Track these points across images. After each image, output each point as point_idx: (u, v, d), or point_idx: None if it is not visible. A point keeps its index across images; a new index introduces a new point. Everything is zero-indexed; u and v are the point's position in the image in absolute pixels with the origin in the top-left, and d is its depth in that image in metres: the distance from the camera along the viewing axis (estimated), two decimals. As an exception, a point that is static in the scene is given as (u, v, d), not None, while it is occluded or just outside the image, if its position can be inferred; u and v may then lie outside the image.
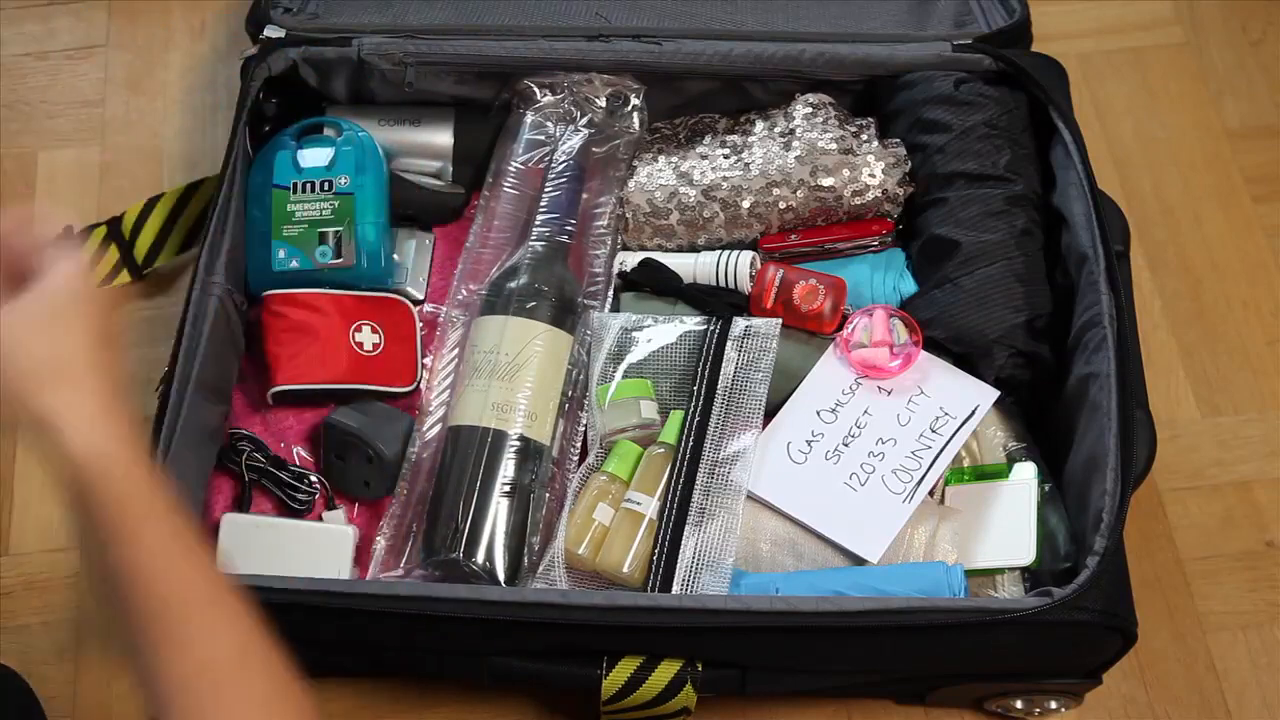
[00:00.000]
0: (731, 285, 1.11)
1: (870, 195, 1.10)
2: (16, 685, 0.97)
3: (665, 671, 0.93)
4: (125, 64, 1.42)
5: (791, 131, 1.13)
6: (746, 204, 1.11)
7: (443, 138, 1.18)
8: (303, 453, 1.10)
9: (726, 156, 1.14)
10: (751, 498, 1.01)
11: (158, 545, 0.67)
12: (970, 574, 0.98)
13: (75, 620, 1.14)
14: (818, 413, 1.03)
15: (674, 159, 1.16)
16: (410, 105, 1.18)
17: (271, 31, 1.15)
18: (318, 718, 0.69)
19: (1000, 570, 0.99)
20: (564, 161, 1.14)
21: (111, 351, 0.69)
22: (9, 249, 0.71)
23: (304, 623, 0.93)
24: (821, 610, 0.90)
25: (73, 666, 1.12)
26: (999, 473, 1.02)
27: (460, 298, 1.13)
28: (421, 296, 1.16)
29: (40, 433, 0.66)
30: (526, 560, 1.02)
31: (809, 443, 1.03)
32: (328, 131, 1.15)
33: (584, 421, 1.08)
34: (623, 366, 1.07)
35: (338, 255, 1.10)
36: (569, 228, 1.12)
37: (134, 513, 0.66)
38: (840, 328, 1.07)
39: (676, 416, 1.04)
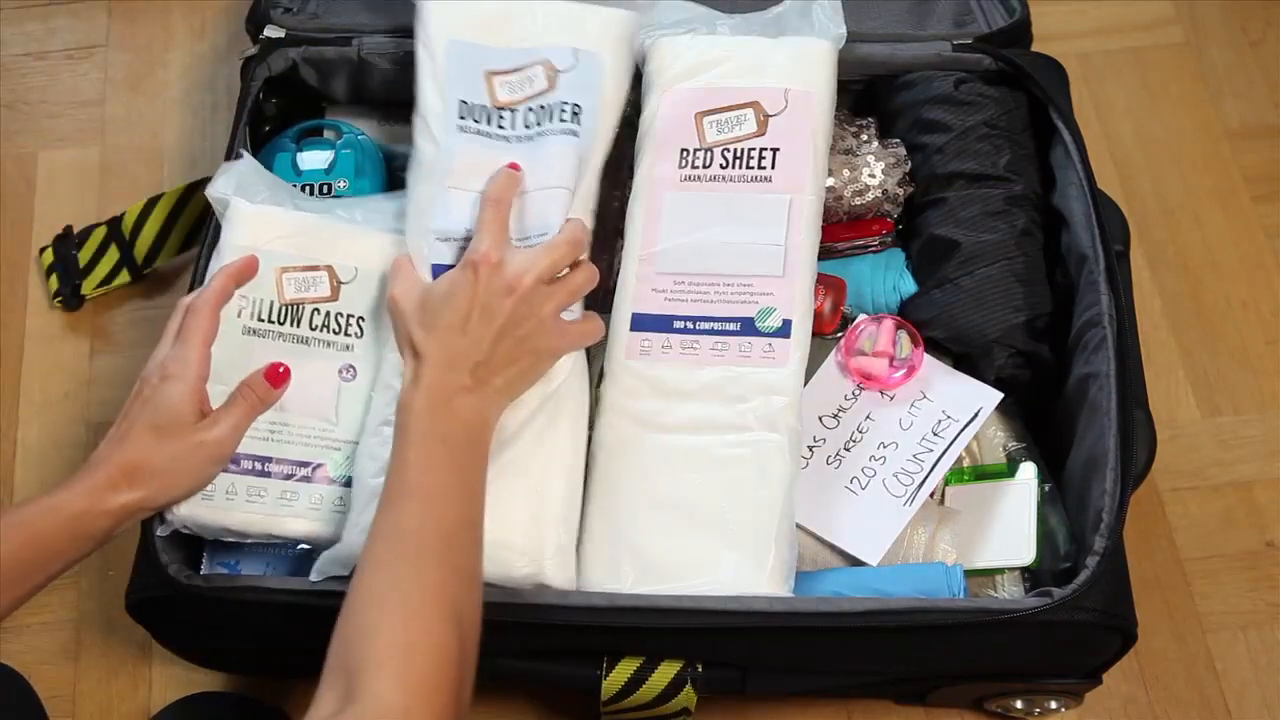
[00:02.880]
0: (732, 285, 1.11)
1: (870, 195, 1.10)
2: (18, 685, 0.97)
3: (665, 672, 0.93)
4: (125, 64, 1.42)
5: (791, 131, 1.12)
6: (746, 204, 1.11)
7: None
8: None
9: (727, 157, 1.14)
10: (752, 499, 1.01)
11: (404, 447, 0.85)
12: (970, 574, 0.98)
13: (75, 620, 1.14)
14: (819, 418, 1.03)
15: (674, 159, 1.16)
16: (410, 105, 1.18)
17: (271, 31, 1.15)
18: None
19: (1000, 570, 0.99)
20: (564, 161, 1.14)
21: (458, 344, 0.88)
22: None
23: (303, 625, 0.93)
24: (821, 611, 0.90)
25: (73, 667, 1.12)
26: (999, 473, 1.03)
27: (460, 298, 1.13)
28: (421, 297, 1.16)
29: None
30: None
31: (810, 448, 1.02)
32: (327, 134, 1.15)
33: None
34: (623, 367, 1.07)
35: (336, 258, 1.10)
36: (569, 228, 1.12)
37: (400, 428, 0.86)
38: (841, 328, 1.07)
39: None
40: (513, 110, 1.01)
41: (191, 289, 1.03)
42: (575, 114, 1.00)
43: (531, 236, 0.96)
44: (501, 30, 1.03)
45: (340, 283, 1.01)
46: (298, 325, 1.00)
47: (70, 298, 1.26)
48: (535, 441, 0.94)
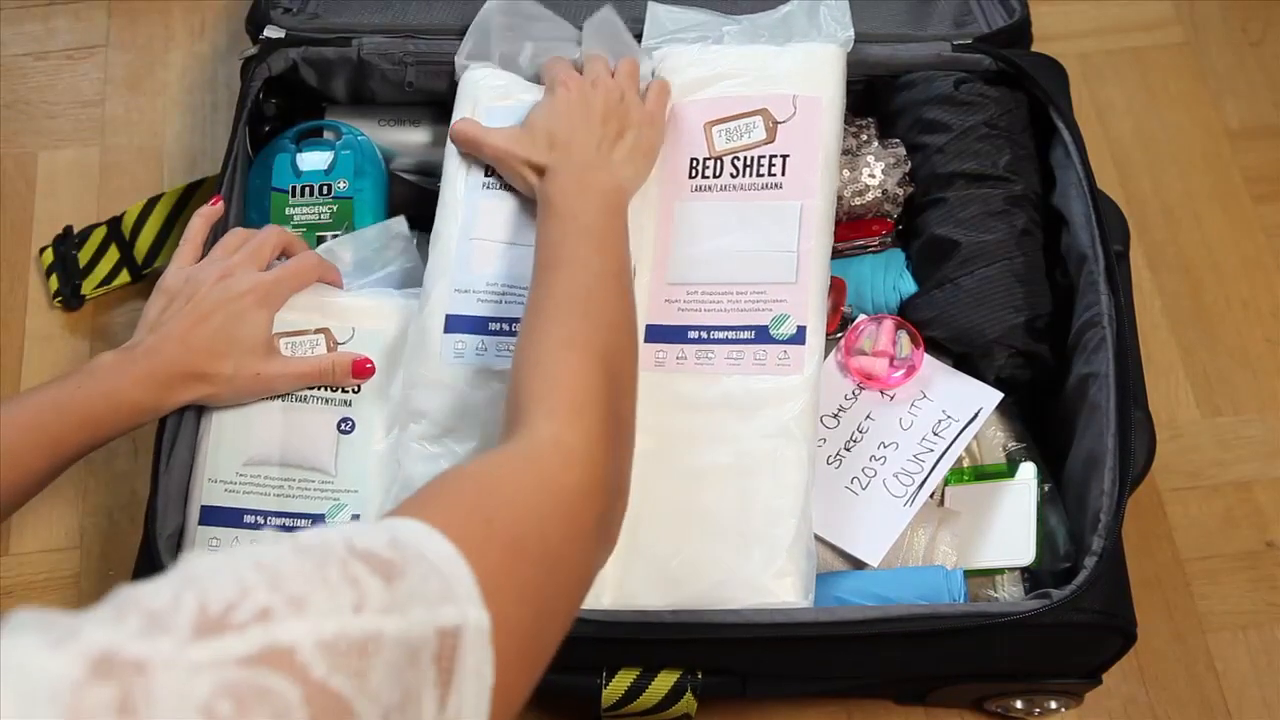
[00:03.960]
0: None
1: (870, 195, 1.10)
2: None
3: (665, 680, 0.93)
4: (125, 64, 1.42)
5: (791, 132, 1.12)
6: (746, 204, 1.11)
7: (443, 136, 1.18)
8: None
9: (727, 157, 1.14)
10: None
11: (552, 226, 0.93)
12: (970, 574, 0.98)
13: (75, 620, 1.14)
14: (820, 418, 1.03)
15: (674, 159, 1.16)
16: (410, 105, 1.18)
17: (271, 31, 1.15)
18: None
19: (1000, 570, 0.99)
20: (565, 161, 1.14)
21: (581, 146, 0.99)
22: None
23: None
24: (820, 620, 0.90)
25: (73, 667, 1.12)
26: (999, 473, 1.03)
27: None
28: (421, 297, 1.16)
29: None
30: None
31: (811, 449, 1.02)
32: (327, 135, 1.15)
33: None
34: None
35: (335, 259, 1.10)
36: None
37: (544, 209, 0.95)
38: (841, 328, 1.07)
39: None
40: None
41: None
42: None
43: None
44: (532, 89, 1.07)
45: (337, 343, 1.02)
46: None
47: (70, 298, 1.26)
48: None
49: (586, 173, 0.95)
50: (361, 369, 1.01)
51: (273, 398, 1.01)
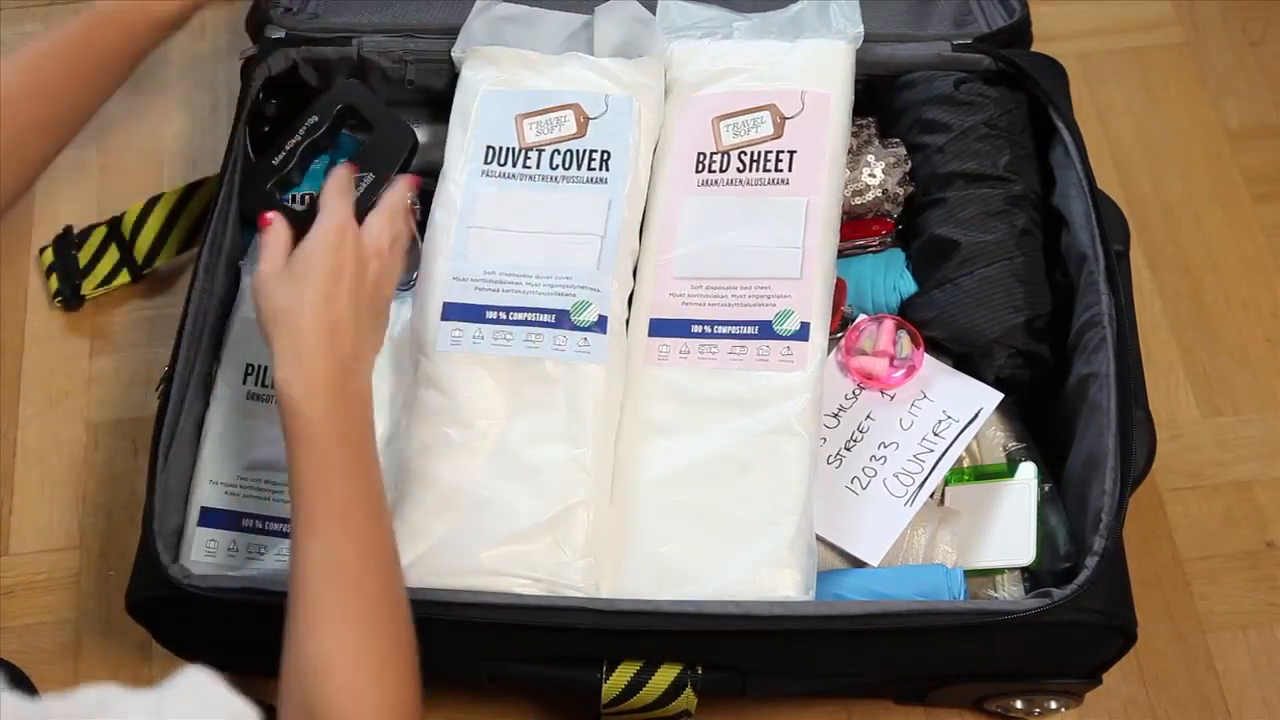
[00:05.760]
0: (731, 285, 1.11)
1: (870, 195, 1.10)
2: (19, 683, 0.97)
3: (665, 675, 0.93)
4: (125, 64, 1.41)
5: (791, 132, 1.12)
6: (747, 204, 1.11)
7: (443, 136, 1.17)
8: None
9: (727, 157, 1.14)
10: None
11: (313, 462, 0.80)
12: (970, 574, 0.98)
13: (75, 620, 1.14)
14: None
15: (674, 159, 1.16)
16: (410, 105, 1.18)
17: (271, 31, 1.15)
18: (409, 641, 0.78)
19: (1000, 570, 0.99)
20: (565, 160, 1.14)
21: (335, 304, 0.85)
22: None
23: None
24: (820, 614, 0.90)
25: (73, 666, 1.12)
26: (999, 473, 1.03)
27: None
28: (422, 296, 1.16)
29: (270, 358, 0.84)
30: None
31: (811, 448, 1.02)
32: (325, 135, 1.15)
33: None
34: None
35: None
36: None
37: (303, 438, 0.81)
38: (841, 328, 1.07)
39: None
40: (539, 150, 1.03)
41: (191, 288, 1.03)
42: (605, 161, 1.02)
43: (553, 276, 0.98)
44: (533, 74, 1.06)
45: None
46: None
47: (70, 298, 1.26)
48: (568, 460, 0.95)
49: (346, 376, 0.84)
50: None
51: (274, 402, 1.01)
